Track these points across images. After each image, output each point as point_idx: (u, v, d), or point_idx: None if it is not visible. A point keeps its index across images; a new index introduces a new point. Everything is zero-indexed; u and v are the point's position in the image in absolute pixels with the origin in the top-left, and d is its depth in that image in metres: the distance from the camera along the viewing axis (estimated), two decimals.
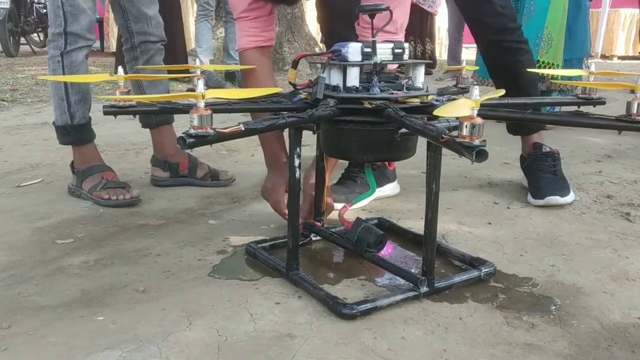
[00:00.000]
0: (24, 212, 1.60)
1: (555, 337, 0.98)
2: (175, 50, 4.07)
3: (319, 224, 1.36)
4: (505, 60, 1.69)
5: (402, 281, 1.15)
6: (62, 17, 1.60)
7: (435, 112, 0.81)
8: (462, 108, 0.78)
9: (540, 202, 1.64)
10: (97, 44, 7.78)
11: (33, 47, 7.36)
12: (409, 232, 1.41)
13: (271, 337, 0.97)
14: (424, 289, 1.09)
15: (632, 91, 0.93)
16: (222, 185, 1.85)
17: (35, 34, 7.62)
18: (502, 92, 0.91)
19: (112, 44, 7.22)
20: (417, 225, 1.45)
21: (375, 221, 1.47)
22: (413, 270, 1.19)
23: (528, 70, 1.50)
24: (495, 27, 1.66)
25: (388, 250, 1.28)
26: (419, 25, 5.68)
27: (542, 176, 1.70)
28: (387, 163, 1.73)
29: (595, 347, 0.95)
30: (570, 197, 1.66)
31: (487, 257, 1.25)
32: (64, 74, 1.63)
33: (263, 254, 1.26)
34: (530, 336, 0.98)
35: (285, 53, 5.32)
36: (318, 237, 1.37)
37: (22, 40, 7.40)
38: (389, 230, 1.43)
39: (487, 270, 1.18)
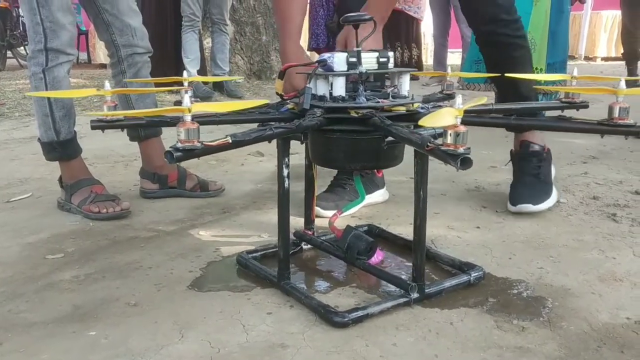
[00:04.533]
0: (13, 227, 1.59)
1: (545, 339, 0.99)
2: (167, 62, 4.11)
3: (309, 232, 1.37)
4: (499, 55, 1.64)
5: (393, 288, 1.16)
6: (42, 34, 1.59)
7: (420, 122, 0.82)
8: (446, 117, 0.79)
9: (513, 208, 1.62)
10: (85, 56, 7.75)
11: (20, 60, 7.33)
12: (399, 238, 1.42)
13: (264, 347, 0.97)
14: (415, 295, 1.10)
15: (615, 94, 0.95)
16: (211, 196, 1.85)
17: (22, 48, 7.59)
18: (484, 100, 0.93)
19: (98, 55, 7.20)
20: (406, 231, 1.46)
21: (365, 228, 1.48)
22: (403, 277, 1.20)
23: (511, 75, 1.47)
24: (487, 16, 1.60)
25: (378, 257, 1.29)
26: (405, 31, 5.71)
27: (521, 179, 1.68)
28: (375, 170, 1.74)
29: (585, 349, 0.96)
30: (545, 204, 1.62)
31: (476, 261, 1.27)
32: (47, 90, 1.62)
33: (254, 264, 1.26)
34: (521, 339, 0.99)
35: (273, 62, 5.33)
36: (309, 246, 1.38)
37: (9, 54, 7.37)
38: (379, 236, 1.44)
39: (476, 274, 1.19)
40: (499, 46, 1.63)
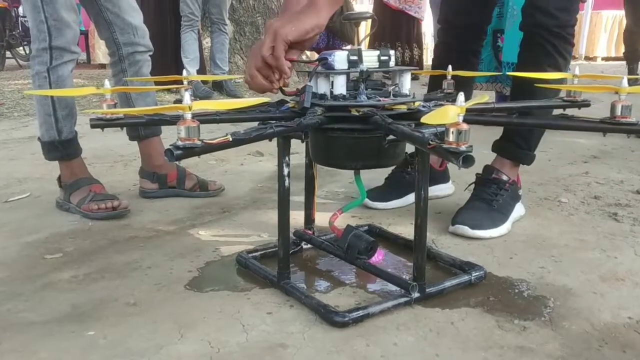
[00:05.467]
0: (12, 227, 1.58)
1: (547, 339, 0.98)
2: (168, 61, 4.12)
3: (309, 232, 1.36)
4: (527, 58, 1.52)
5: (393, 287, 1.16)
6: (47, 32, 1.59)
7: (423, 120, 0.82)
8: (448, 115, 0.79)
9: (450, 228, 1.49)
10: (84, 56, 7.75)
11: (19, 60, 7.33)
12: (399, 237, 1.42)
13: (264, 347, 0.96)
14: (415, 294, 1.09)
15: (617, 92, 0.94)
16: (211, 196, 1.84)
17: (21, 48, 7.59)
18: (487, 97, 0.92)
19: (97, 55, 7.19)
20: (407, 231, 1.46)
21: (366, 228, 1.48)
22: (404, 276, 1.20)
23: (513, 74, 1.45)
24: (539, 6, 1.47)
25: (379, 257, 1.28)
26: (406, 31, 5.71)
27: (471, 202, 1.55)
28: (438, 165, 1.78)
29: (586, 348, 0.96)
30: (485, 232, 1.44)
31: (477, 260, 1.26)
32: (50, 89, 1.62)
33: (254, 263, 1.26)
34: (522, 339, 0.98)
35: None
36: (309, 245, 1.37)
37: (8, 54, 7.37)
38: (379, 236, 1.44)
39: (477, 274, 1.19)
40: (532, 45, 1.50)
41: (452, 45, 1.72)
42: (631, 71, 4.80)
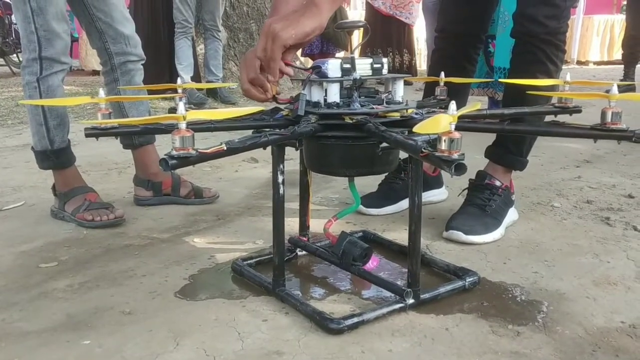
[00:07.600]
0: (6, 236, 1.58)
1: (540, 344, 0.99)
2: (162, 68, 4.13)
3: (304, 238, 1.36)
4: (518, 65, 1.53)
5: (388, 294, 1.16)
6: (37, 42, 1.59)
7: (415, 130, 0.82)
8: (440, 124, 0.79)
9: (444, 233, 1.50)
10: (77, 63, 7.75)
11: (12, 68, 7.31)
12: (393, 243, 1.42)
13: (259, 355, 0.97)
14: (410, 300, 1.10)
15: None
16: (206, 203, 1.85)
17: (15, 55, 7.57)
18: (479, 105, 0.93)
19: (91, 62, 7.17)
20: (401, 237, 1.46)
21: (360, 234, 1.48)
22: (399, 282, 1.20)
23: (504, 80, 1.47)
24: (528, 14, 1.48)
25: (373, 263, 1.28)
26: (397, 36, 5.74)
27: (464, 208, 1.56)
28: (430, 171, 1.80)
29: (580, 353, 0.96)
30: (479, 237, 1.45)
31: (471, 266, 1.27)
32: (41, 99, 1.62)
33: (249, 270, 1.26)
34: (516, 344, 0.99)
35: None
36: (304, 252, 1.38)
37: (1, 61, 7.35)
38: (373, 242, 1.44)
39: (471, 279, 1.19)
40: (523, 51, 1.51)
41: (449, 53, 1.74)
42: (627, 74, 4.85)
